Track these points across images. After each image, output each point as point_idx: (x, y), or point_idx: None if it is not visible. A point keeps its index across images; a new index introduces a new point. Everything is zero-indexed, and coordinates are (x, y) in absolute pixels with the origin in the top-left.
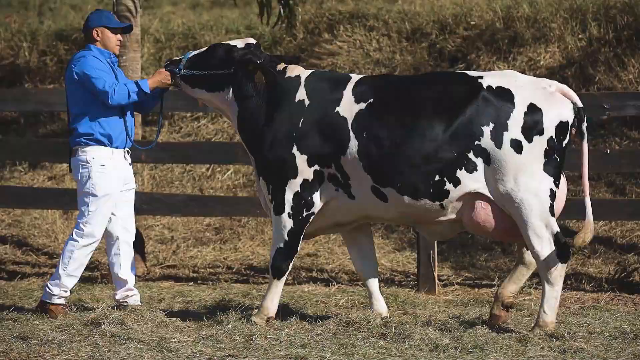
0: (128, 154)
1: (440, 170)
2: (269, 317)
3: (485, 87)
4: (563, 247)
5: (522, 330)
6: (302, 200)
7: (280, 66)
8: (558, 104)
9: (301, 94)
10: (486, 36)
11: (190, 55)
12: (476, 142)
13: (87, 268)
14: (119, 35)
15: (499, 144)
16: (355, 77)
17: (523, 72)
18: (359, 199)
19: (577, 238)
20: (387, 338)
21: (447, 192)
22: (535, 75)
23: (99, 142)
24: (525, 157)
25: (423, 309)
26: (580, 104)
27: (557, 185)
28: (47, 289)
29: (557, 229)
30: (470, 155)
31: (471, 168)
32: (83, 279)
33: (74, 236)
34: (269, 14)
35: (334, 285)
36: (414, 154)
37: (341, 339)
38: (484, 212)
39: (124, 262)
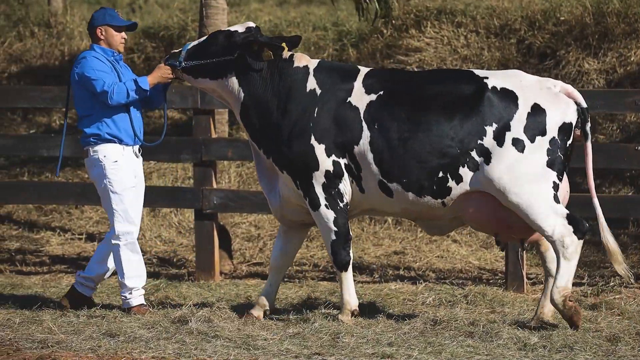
0: (139, 151)
1: (444, 167)
2: (353, 311)
3: (490, 88)
4: (578, 222)
5: (612, 329)
6: (333, 190)
7: (287, 54)
8: (562, 104)
9: (312, 84)
10: (576, 32)
11: (189, 47)
12: (479, 142)
13: (174, 265)
14: (123, 33)
15: (501, 143)
16: (364, 69)
17: (613, 68)
18: (367, 192)
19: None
20: (475, 337)
21: (450, 190)
22: (626, 72)
23: (108, 141)
24: (527, 156)
25: (511, 308)
26: (584, 105)
27: (560, 179)
28: (123, 298)
29: (565, 211)
30: (473, 153)
31: (473, 166)
32: (170, 277)
33: (113, 241)
34: (369, 10)
35: (421, 283)
36: (420, 149)
37: (428, 338)
38: (484, 210)
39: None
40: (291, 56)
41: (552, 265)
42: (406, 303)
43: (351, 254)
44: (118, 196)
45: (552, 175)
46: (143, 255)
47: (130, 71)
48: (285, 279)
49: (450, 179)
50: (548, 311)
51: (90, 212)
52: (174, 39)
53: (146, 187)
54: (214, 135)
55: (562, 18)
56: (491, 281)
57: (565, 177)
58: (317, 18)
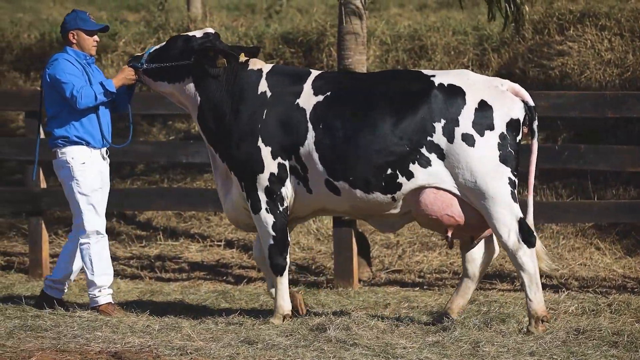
0: (106, 153)
1: (392, 164)
2: (285, 315)
3: (437, 85)
4: (527, 232)
5: None
6: (274, 194)
7: (242, 58)
8: (508, 101)
9: (263, 86)
10: None
11: (151, 50)
12: (428, 138)
13: (313, 273)
14: (95, 37)
15: (451, 139)
16: (315, 72)
17: None
18: (315, 192)
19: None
20: (619, 347)
21: (400, 185)
22: None
23: (76, 143)
24: (479, 150)
25: None
26: (531, 103)
27: (515, 175)
28: (90, 296)
29: (520, 214)
30: (423, 150)
31: (424, 162)
32: (309, 284)
33: (82, 239)
34: (499, 14)
35: (563, 291)
36: (365, 147)
37: (571, 347)
38: (435, 206)
39: (74, 255)
40: (247, 60)
41: (471, 267)
42: (548, 312)
43: (288, 260)
44: (86, 197)
45: (507, 170)
46: None
47: (102, 74)
48: (425, 287)
49: (400, 176)
50: (455, 307)
51: None
52: (312, 44)
53: None
54: None
55: None
56: (636, 290)
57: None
58: (457, 22)
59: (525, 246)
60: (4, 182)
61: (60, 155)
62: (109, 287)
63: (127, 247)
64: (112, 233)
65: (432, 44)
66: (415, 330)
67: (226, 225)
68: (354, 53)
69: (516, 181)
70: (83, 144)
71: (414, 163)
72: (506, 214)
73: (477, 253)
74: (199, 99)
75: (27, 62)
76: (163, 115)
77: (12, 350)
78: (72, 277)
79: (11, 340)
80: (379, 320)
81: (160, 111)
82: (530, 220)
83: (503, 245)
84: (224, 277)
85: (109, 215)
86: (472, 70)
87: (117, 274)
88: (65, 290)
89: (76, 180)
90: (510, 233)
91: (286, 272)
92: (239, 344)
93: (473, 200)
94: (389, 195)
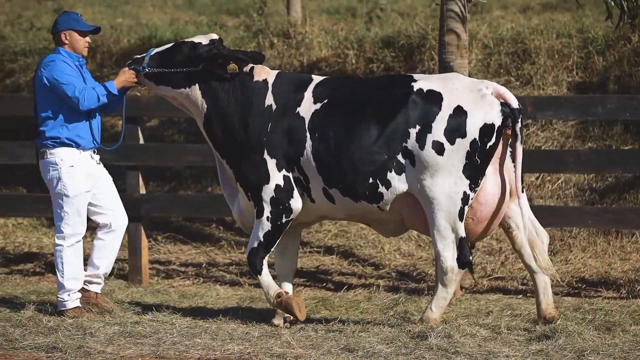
0: (95, 153)
1: (373, 172)
2: (278, 293)
3: (415, 91)
4: (464, 254)
5: None
6: (280, 205)
7: (247, 67)
8: (485, 106)
9: (269, 99)
10: None
11: (152, 53)
12: (404, 144)
13: (414, 279)
14: (87, 38)
15: (422, 145)
16: (317, 79)
17: None
18: (317, 201)
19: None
20: None
21: (381, 195)
22: None
23: (66, 144)
24: (445, 159)
25: None
26: (515, 105)
27: (473, 189)
28: (59, 299)
29: (463, 234)
30: (399, 157)
31: (399, 170)
32: (409, 291)
33: (57, 241)
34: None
35: None
36: (351, 155)
37: None
38: (421, 213)
39: (105, 249)
40: (251, 69)
41: (532, 262)
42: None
43: (265, 261)
44: (70, 199)
45: (465, 184)
46: (381, 269)
47: (91, 76)
48: (528, 294)
49: (380, 185)
50: (546, 306)
51: (329, 225)
52: (413, 48)
53: None
54: None
55: None
56: None
57: (504, 179)
58: (561, 25)
59: (456, 266)
60: None
61: (48, 156)
62: (78, 291)
63: (227, 253)
64: (211, 239)
65: (536, 47)
66: (518, 338)
67: (326, 231)
68: (455, 57)
69: (471, 195)
70: (73, 146)
71: (390, 171)
72: (447, 228)
73: (528, 248)
74: (205, 107)
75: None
76: None
77: (112, 357)
78: (103, 270)
79: (111, 346)
80: (480, 328)
81: None
82: (529, 224)
83: (436, 255)
84: (324, 284)
85: (208, 220)
86: (577, 73)
87: (216, 280)
88: (102, 284)
89: (63, 182)
90: (445, 246)
91: (265, 268)
92: (339, 351)
93: (423, 205)
94: (375, 205)
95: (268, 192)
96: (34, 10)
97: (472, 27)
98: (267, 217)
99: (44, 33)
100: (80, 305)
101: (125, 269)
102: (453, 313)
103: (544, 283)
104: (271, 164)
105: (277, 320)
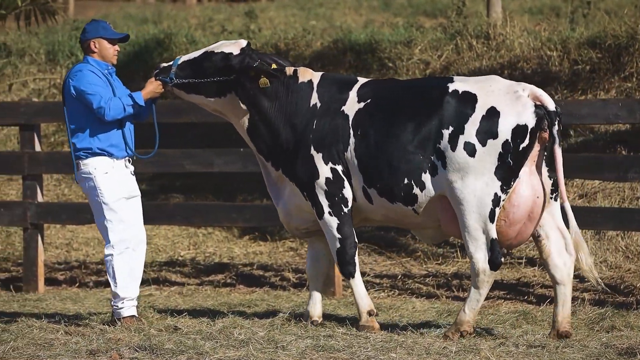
0: (129, 162)
1: (408, 173)
2: (369, 311)
3: (450, 92)
4: (495, 255)
5: None
6: (336, 197)
7: (290, 70)
8: (518, 107)
9: (315, 98)
10: None
11: (180, 62)
12: (437, 145)
13: (622, 293)
14: (116, 46)
15: (454, 146)
16: (362, 80)
17: None
18: (358, 200)
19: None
20: None
21: (416, 197)
22: None
23: (98, 154)
24: (476, 160)
25: None
26: (551, 108)
27: (505, 191)
28: (115, 308)
29: (494, 235)
30: (433, 158)
31: (433, 171)
32: (617, 305)
33: (106, 251)
34: None
35: None
36: (390, 155)
37: None
38: (454, 216)
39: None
40: (295, 72)
41: (556, 273)
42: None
43: (356, 261)
44: (109, 207)
45: (496, 186)
46: (587, 282)
47: (121, 84)
48: None
49: (414, 186)
50: (562, 319)
51: None
52: (621, 49)
53: (589, 208)
54: None
55: None
56: None
57: (539, 182)
58: None
59: (488, 268)
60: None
61: (82, 167)
62: (135, 299)
63: (423, 264)
64: (406, 249)
65: None
66: None
67: (527, 242)
68: None
69: (502, 197)
70: (105, 155)
71: (425, 172)
72: (478, 229)
73: (556, 259)
74: (247, 113)
75: (318, 69)
76: None
77: None
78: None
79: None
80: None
81: None
82: (573, 228)
83: (469, 256)
84: (525, 297)
85: (403, 230)
86: None
87: (412, 292)
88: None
89: (99, 190)
90: (477, 248)
91: (358, 273)
92: None
93: (454, 207)
94: (410, 207)
95: (320, 186)
96: (226, 14)
97: None
98: (329, 213)
99: (235, 36)
100: (136, 315)
101: None
102: None
103: (564, 296)
104: (317, 158)
105: (364, 321)
